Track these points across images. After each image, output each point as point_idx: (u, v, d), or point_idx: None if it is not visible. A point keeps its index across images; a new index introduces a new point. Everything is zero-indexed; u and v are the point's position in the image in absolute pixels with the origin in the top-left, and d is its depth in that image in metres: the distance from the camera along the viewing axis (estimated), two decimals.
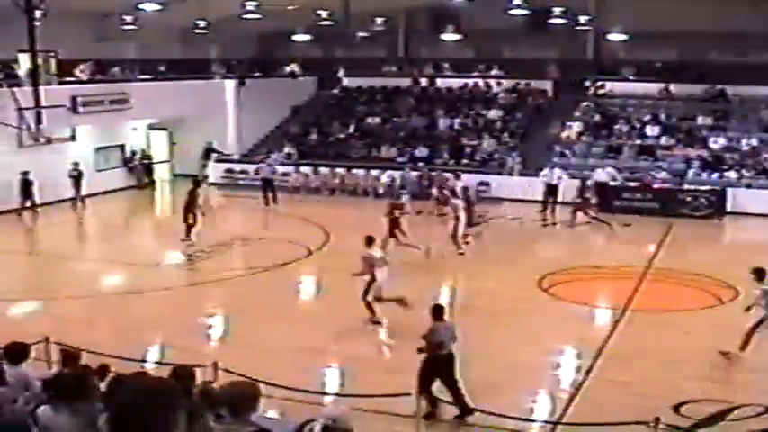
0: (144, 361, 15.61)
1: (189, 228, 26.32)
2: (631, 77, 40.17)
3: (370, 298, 18.40)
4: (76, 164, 33.66)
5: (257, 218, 31.66)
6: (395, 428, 13.16)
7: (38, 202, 31.40)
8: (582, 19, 39.79)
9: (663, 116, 37.22)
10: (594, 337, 17.62)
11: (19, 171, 30.48)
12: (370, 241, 18.75)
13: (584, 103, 38.69)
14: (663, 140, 35.80)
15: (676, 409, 13.46)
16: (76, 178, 33.55)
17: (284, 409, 12.68)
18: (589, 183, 30.47)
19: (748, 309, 16.12)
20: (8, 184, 30.70)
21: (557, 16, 38.69)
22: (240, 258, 26.02)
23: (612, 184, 32.52)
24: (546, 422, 13.68)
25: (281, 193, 33.81)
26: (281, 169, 36.55)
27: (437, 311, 13.86)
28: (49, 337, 14.24)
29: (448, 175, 32.52)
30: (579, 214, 29.09)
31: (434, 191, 29.58)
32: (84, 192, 33.53)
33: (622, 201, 31.78)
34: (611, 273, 22.89)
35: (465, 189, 27.90)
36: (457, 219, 24.77)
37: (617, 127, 36.93)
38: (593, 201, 29.74)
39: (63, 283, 22.85)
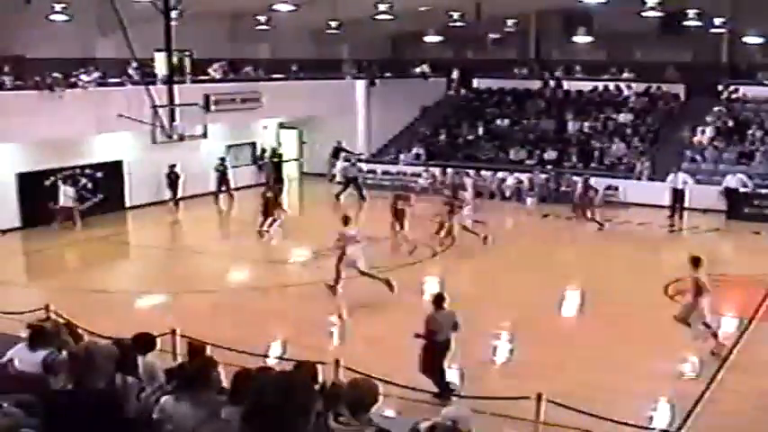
0: (267, 356, 16.02)
1: (272, 222, 27.76)
2: (767, 82, 39.27)
3: (341, 267, 20.54)
4: (223, 159, 34.71)
5: (384, 217, 32.00)
6: None
7: (179, 195, 32.68)
8: (717, 21, 39.03)
9: None
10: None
11: (152, 167, 31.68)
12: (346, 221, 21.14)
13: (717, 108, 37.98)
14: None
15: None
16: (222, 173, 34.54)
17: (403, 408, 12.89)
18: (592, 182, 30.42)
19: None
20: (144, 180, 31.89)
21: (691, 19, 38.03)
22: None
23: (743, 190, 31.92)
24: (665, 431, 13.54)
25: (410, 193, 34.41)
26: (409, 170, 37.37)
27: (437, 300, 14.49)
28: (175, 330, 14.77)
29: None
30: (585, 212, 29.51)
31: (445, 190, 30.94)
32: (222, 187, 34.74)
33: (753, 208, 31.10)
34: (740, 281, 22.48)
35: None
36: (460, 209, 26.42)
37: (750, 132, 36.05)
38: (597, 200, 30.04)
39: (191, 276, 23.56)
